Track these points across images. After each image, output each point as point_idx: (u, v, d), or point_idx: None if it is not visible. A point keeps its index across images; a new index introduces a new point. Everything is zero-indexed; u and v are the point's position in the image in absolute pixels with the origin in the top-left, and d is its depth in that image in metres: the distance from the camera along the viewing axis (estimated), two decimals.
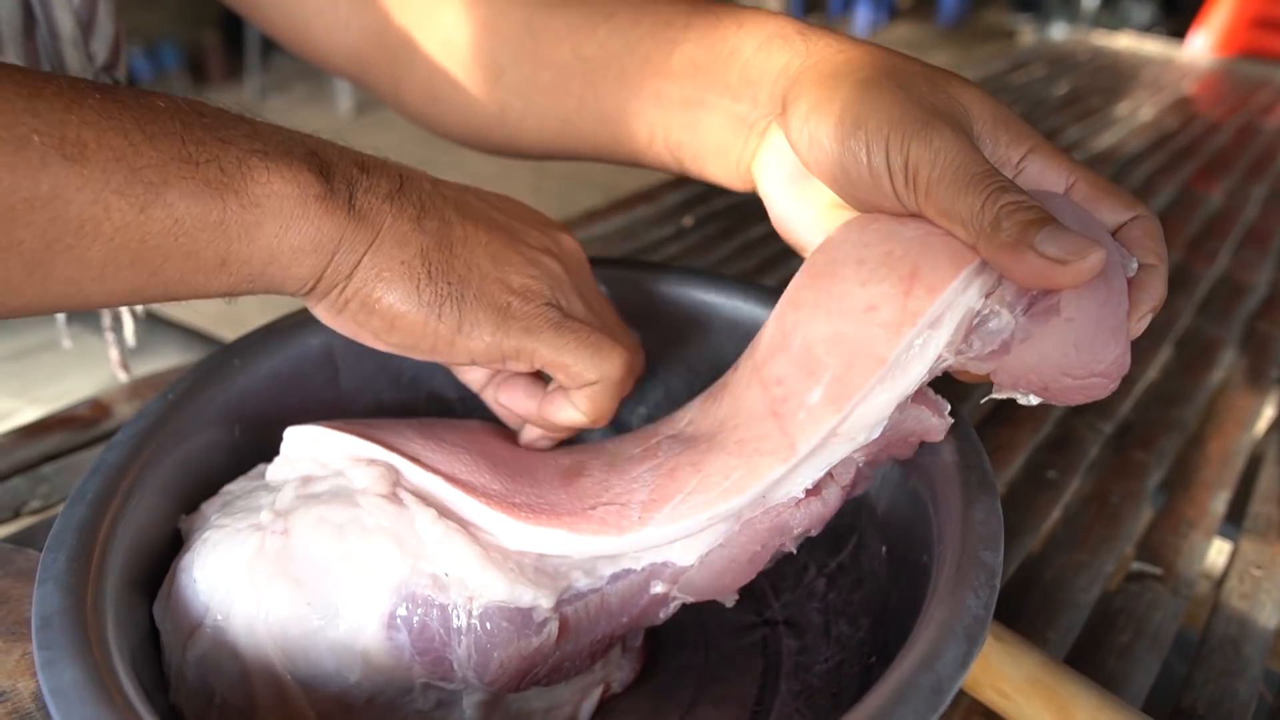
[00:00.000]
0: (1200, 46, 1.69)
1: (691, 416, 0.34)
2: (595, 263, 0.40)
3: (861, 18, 4.96)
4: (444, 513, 0.31)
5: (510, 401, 0.36)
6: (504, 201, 0.36)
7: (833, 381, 0.29)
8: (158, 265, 0.27)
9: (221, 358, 0.37)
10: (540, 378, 0.37)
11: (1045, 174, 0.31)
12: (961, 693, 0.36)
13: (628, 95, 0.39)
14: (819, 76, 0.32)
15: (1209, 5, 1.74)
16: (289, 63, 3.80)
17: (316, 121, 3.41)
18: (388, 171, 0.32)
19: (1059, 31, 3.56)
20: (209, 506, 0.34)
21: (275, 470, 0.35)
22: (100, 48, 0.48)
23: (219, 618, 0.30)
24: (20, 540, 0.43)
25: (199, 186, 0.27)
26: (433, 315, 0.31)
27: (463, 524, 0.31)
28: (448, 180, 0.35)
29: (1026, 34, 3.75)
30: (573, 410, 0.34)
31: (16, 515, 0.46)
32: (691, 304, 0.42)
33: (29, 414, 0.65)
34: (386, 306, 0.30)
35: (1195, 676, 0.39)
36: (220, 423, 0.37)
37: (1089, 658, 0.40)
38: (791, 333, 0.31)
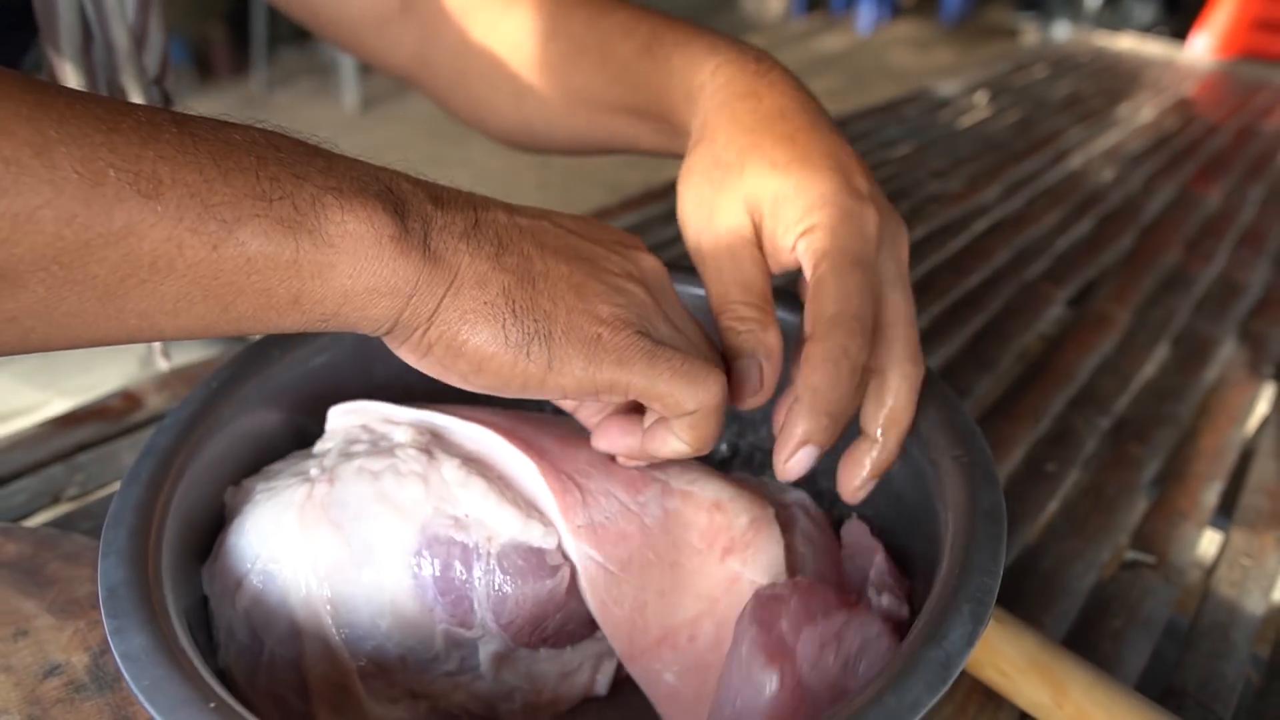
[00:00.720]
0: (1201, 48, 1.70)
1: (687, 488, 0.35)
2: None
3: (865, 16, 4.96)
4: (467, 461, 0.34)
5: (609, 444, 0.35)
6: (580, 224, 0.35)
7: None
8: (230, 301, 0.27)
9: (260, 348, 0.39)
10: (634, 413, 0.36)
11: (805, 256, 0.34)
12: (964, 672, 0.38)
13: (618, 128, 0.43)
14: (691, 146, 0.38)
15: (1210, 6, 1.76)
16: (295, 58, 3.81)
17: (322, 115, 3.43)
18: (462, 206, 0.31)
19: (1062, 30, 3.57)
20: (251, 481, 0.36)
21: (321, 443, 0.37)
22: (152, 60, 0.50)
23: (269, 565, 0.32)
24: (61, 525, 0.45)
25: (272, 225, 0.26)
26: (521, 355, 0.30)
27: (483, 470, 0.34)
28: (523, 206, 0.34)
29: (1029, 32, 3.76)
30: (676, 441, 0.32)
31: (55, 501, 0.48)
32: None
33: (58, 406, 0.67)
34: (474, 349, 0.30)
35: (1185, 659, 0.41)
36: (260, 409, 0.39)
37: (1084, 641, 0.42)
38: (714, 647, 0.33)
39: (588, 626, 0.35)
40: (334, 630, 0.32)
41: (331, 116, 3.35)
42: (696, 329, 0.35)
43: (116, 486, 0.48)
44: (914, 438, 0.35)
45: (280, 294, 0.27)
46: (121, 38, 0.47)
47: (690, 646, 0.32)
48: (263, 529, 0.33)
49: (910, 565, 0.35)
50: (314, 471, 0.34)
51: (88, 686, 0.34)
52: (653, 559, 0.33)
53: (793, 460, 0.32)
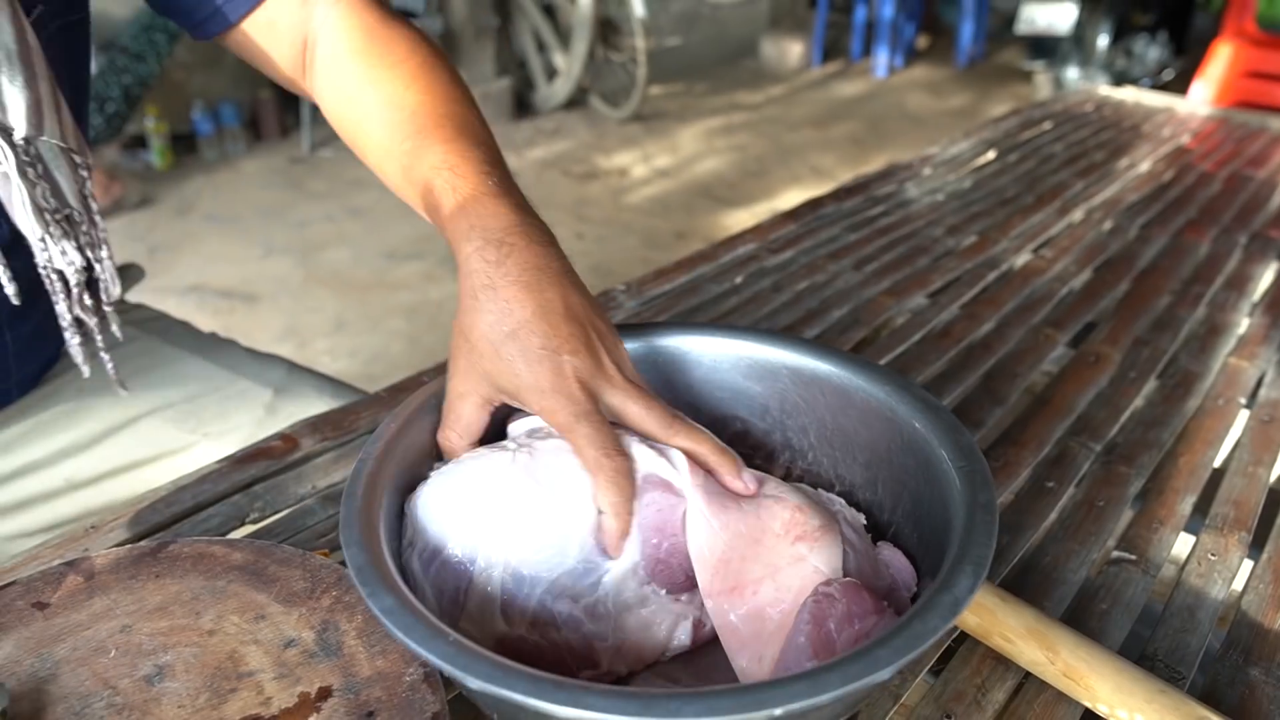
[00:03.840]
0: (1200, 97, 1.82)
1: (777, 493, 0.46)
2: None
3: (880, 61, 5.11)
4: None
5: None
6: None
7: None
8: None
9: (426, 396, 0.51)
10: None
11: None
12: (976, 641, 0.49)
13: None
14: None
15: (1208, 57, 1.87)
16: None
17: (362, 172, 3.60)
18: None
19: (1073, 74, 3.69)
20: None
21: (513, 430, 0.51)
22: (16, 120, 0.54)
23: (465, 513, 0.45)
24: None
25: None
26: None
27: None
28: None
29: (1041, 75, 3.90)
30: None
31: (242, 524, 0.60)
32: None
33: (204, 446, 0.79)
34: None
35: (1158, 634, 0.51)
36: (426, 444, 0.51)
37: (1076, 621, 0.52)
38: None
39: (681, 579, 0.46)
40: (496, 573, 0.44)
41: (370, 172, 3.52)
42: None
43: (287, 512, 0.61)
44: (931, 454, 0.46)
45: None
46: None
47: (753, 598, 0.43)
48: (467, 480, 0.46)
49: (926, 543, 0.46)
50: (511, 447, 0.47)
51: (318, 654, 0.45)
52: (743, 531, 0.44)
53: None
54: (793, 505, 0.46)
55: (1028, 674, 0.48)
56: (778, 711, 0.31)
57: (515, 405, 0.49)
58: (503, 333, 0.47)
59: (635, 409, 0.47)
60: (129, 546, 0.52)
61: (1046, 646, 0.46)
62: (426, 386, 0.53)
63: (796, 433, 0.56)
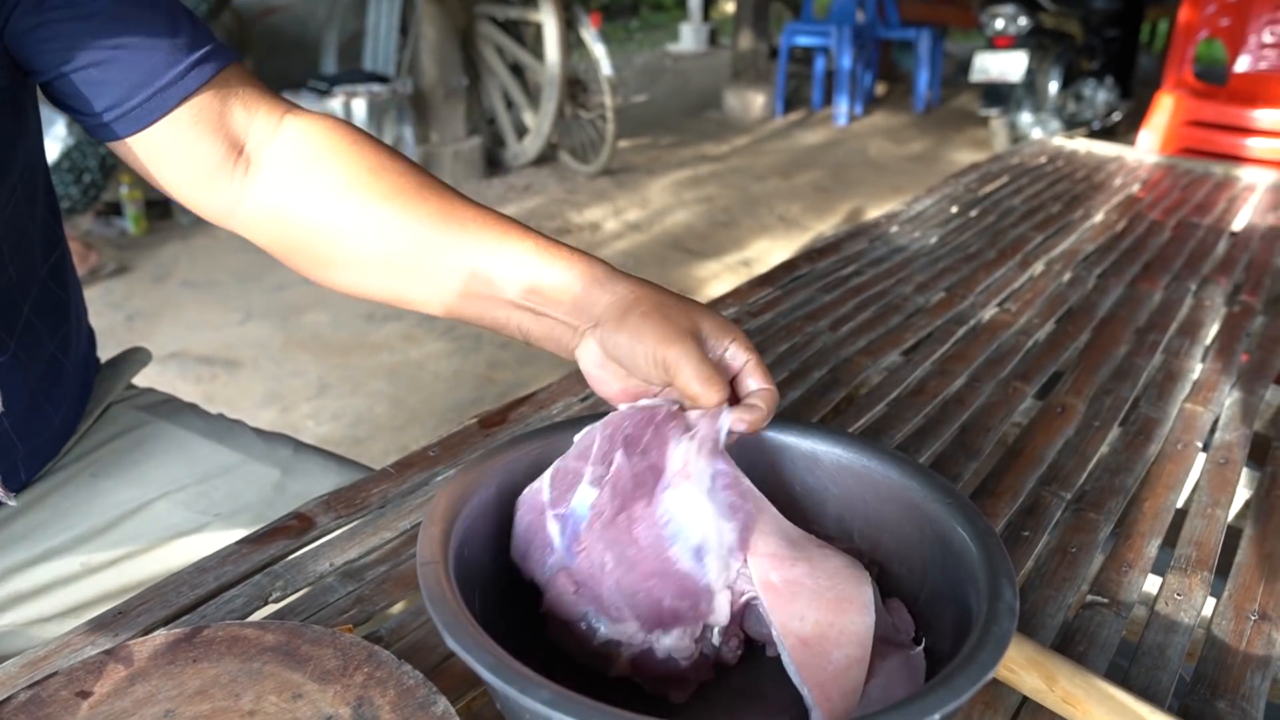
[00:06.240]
0: (1146, 145, 1.91)
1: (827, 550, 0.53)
2: None
3: (841, 109, 5.26)
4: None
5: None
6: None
7: None
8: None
9: (478, 462, 0.56)
10: None
11: (735, 355, 0.56)
12: None
13: (493, 305, 0.62)
14: (621, 310, 0.57)
15: (1152, 107, 1.97)
16: None
17: None
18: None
19: (1026, 119, 3.84)
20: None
21: None
22: None
23: None
24: (278, 619, 0.60)
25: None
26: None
27: None
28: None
29: (996, 121, 4.05)
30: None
31: (266, 603, 0.63)
32: None
33: (215, 527, 0.81)
34: None
35: (1132, 671, 0.56)
36: (491, 501, 0.55)
37: None
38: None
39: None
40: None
41: None
42: None
43: (307, 589, 0.63)
44: (952, 533, 0.51)
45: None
46: None
47: (790, 568, 0.49)
48: None
49: (947, 600, 0.50)
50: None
51: None
52: (795, 542, 0.51)
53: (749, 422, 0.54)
54: (848, 559, 0.53)
55: (1019, 707, 0.52)
56: None
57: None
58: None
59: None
60: (163, 633, 0.55)
61: (1046, 675, 0.50)
62: (470, 460, 0.57)
63: (816, 510, 0.60)
